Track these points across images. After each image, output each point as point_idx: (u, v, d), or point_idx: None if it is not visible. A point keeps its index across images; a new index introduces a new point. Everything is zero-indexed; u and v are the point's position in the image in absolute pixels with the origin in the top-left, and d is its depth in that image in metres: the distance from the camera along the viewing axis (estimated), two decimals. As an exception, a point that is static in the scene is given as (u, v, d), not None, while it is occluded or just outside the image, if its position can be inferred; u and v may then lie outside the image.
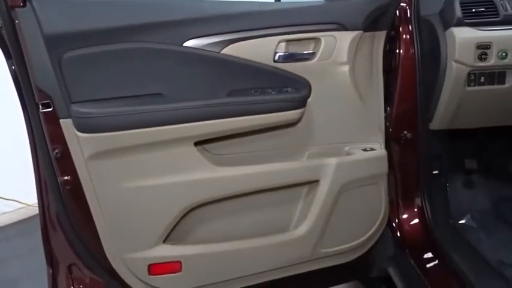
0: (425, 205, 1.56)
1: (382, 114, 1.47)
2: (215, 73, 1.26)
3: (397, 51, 1.46)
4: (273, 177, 1.31)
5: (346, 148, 1.44)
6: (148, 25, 1.19)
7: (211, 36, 1.25)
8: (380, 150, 1.43)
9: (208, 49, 1.24)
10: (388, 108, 1.50)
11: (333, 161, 1.35)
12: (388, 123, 1.50)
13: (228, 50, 1.26)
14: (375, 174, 1.42)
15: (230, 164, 1.32)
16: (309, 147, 1.41)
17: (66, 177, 1.21)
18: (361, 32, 1.34)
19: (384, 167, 1.43)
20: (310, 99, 1.34)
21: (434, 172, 1.62)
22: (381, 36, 1.42)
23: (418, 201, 1.57)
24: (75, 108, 1.13)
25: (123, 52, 1.18)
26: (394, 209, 1.56)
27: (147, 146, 1.18)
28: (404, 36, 1.46)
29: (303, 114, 1.31)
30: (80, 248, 1.30)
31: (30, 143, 1.27)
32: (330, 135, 1.42)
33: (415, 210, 1.57)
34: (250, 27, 1.27)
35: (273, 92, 1.29)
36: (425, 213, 1.55)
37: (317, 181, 1.36)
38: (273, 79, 1.31)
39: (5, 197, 2.96)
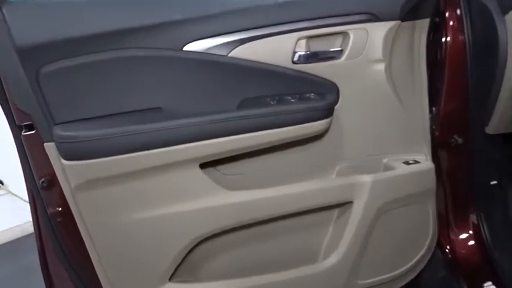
0: (482, 222, 1.31)
1: (427, 118, 1.23)
2: (222, 80, 1.07)
3: (443, 40, 1.21)
4: (297, 200, 1.11)
5: (384, 161, 1.21)
6: (141, 28, 1.01)
7: (216, 37, 1.05)
8: (426, 163, 1.19)
9: (213, 52, 1.05)
10: (434, 109, 1.26)
11: (368, 179, 1.13)
12: (434, 127, 1.26)
13: (237, 52, 1.06)
14: (420, 191, 1.19)
15: (245, 185, 1.12)
16: (338, 161, 1.20)
17: (56, 209, 1.06)
18: (399, 22, 1.11)
19: (431, 183, 1.20)
20: (338, 105, 1.13)
21: (492, 183, 1.36)
22: (423, 25, 1.18)
23: (472, 218, 1.32)
24: (57, 131, 0.96)
25: (112, 62, 1.00)
26: (444, 229, 1.32)
27: (145, 172, 1.00)
28: (451, 22, 1.21)
29: (329, 124, 1.10)
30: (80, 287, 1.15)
31: (22, 168, 1.12)
32: (363, 147, 1.20)
33: (470, 229, 1.32)
34: (263, 24, 1.06)
35: (292, 100, 1.08)
36: (482, 233, 1.31)
37: (350, 202, 1.14)
38: (292, 84, 1.10)
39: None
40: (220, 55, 1.05)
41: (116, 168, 0.98)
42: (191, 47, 1.04)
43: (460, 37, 1.21)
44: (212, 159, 1.04)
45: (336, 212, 1.18)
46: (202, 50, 1.04)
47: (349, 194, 1.13)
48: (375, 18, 1.10)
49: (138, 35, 1.01)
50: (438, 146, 1.27)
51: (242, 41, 1.06)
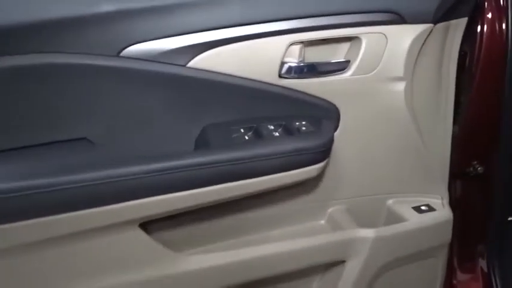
0: (493, 269, 1.08)
1: (448, 151, 0.95)
2: (177, 99, 0.74)
3: (478, 41, 0.91)
4: (273, 263, 0.83)
5: (389, 202, 0.94)
6: (57, 23, 0.66)
7: (171, 39, 0.71)
8: (442, 211, 0.93)
9: (165, 61, 0.71)
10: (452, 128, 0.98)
11: (368, 234, 0.86)
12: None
13: (200, 61, 0.73)
14: (432, 246, 0.94)
15: (210, 239, 0.84)
16: (332, 202, 0.92)
17: None
18: (431, 25, 0.80)
19: (447, 235, 0.95)
20: (337, 132, 0.83)
21: (510, 219, 1.13)
22: (458, 26, 0.87)
23: (482, 263, 1.09)
24: None
25: (13, 72, 0.65)
26: (448, 276, 1.08)
27: (62, 239, 0.69)
28: (490, 16, 0.90)
29: (324, 167, 0.81)
30: None
31: None
32: (364, 185, 0.92)
33: (478, 277, 1.09)
34: (240, 22, 0.73)
35: (276, 132, 0.77)
36: (493, 281, 1.08)
37: (342, 262, 0.88)
38: (277, 106, 0.79)
39: None
40: (175, 64, 0.72)
41: (18, 237, 0.66)
42: (133, 51, 0.70)
43: (499, 36, 0.90)
44: (159, 217, 0.74)
45: (320, 272, 0.91)
46: (150, 57, 0.71)
47: (342, 253, 0.87)
48: (399, 19, 0.79)
49: (53, 32, 0.66)
50: (452, 175, 1.01)
51: (208, 45, 0.73)
